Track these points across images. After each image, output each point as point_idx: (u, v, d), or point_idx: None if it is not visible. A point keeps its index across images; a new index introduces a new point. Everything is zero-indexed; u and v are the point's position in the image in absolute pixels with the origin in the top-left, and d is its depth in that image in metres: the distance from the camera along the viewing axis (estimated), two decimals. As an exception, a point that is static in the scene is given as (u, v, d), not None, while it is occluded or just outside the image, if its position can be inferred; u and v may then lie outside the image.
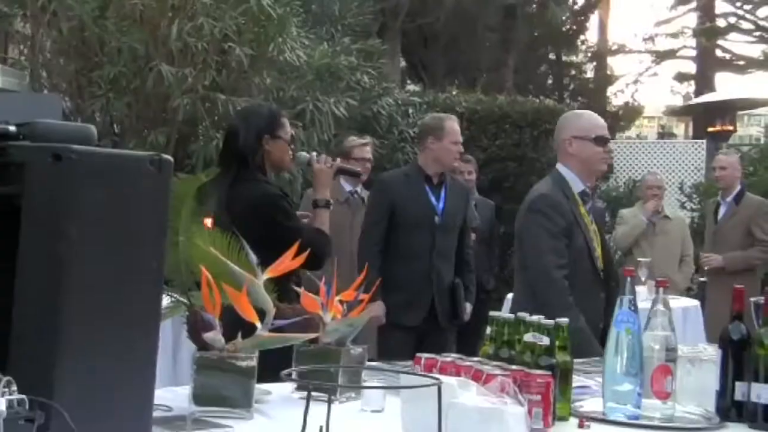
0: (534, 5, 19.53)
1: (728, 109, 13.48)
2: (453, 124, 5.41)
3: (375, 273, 4.68)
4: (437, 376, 1.96)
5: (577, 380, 2.67)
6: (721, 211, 7.42)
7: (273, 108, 4.22)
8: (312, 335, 2.35)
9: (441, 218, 5.26)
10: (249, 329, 2.19)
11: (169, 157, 1.56)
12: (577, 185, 3.89)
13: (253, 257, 2.24)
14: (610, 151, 4.12)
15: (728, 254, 7.07)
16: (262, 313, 2.21)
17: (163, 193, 1.60)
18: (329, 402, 1.86)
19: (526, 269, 3.86)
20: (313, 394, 1.96)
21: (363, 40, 9.71)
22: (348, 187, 6.19)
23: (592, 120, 4.00)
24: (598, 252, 3.86)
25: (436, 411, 1.69)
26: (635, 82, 25.59)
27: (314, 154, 3.97)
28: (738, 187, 7.41)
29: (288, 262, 2.29)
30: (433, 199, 5.28)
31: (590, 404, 2.48)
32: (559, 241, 3.74)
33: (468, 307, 5.45)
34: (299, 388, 2.35)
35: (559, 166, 3.95)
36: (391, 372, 2.43)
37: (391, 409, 2.23)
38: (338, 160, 4.08)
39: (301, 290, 2.48)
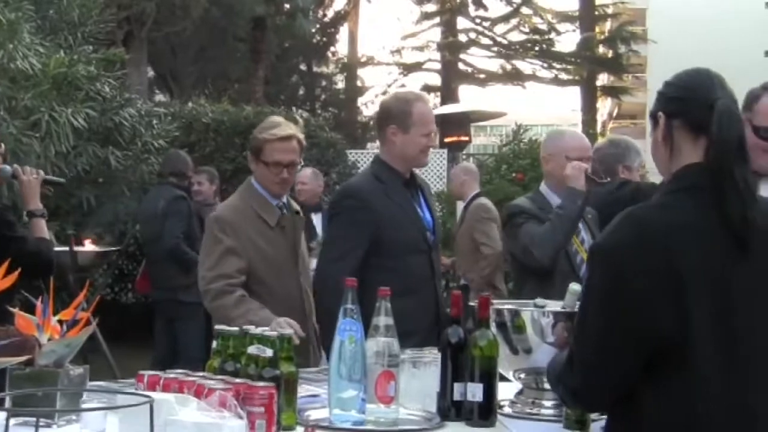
0: (283, 16, 19.69)
1: (463, 121, 14.13)
2: (423, 106, 3.94)
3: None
4: (153, 393, 1.93)
5: (306, 389, 2.71)
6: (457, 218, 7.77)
7: None
8: (26, 357, 2.24)
9: (433, 234, 3.93)
10: (-47, 355, 2.06)
11: None
12: None
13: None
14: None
15: (472, 283, 7.33)
16: (-31, 337, 2.10)
17: None
18: (37, 426, 1.79)
19: None
20: (30, 419, 1.88)
21: (105, 49, 9.37)
22: (273, 201, 3.99)
23: None
24: None
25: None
26: (384, 93, 26.40)
27: (16, 166, 4.00)
28: (471, 195, 7.77)
29: (-2, 281, 2.17)
30: (418, 209, 3.92)
31: (318, 413, 2.52)
32: None
33: None
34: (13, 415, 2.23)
35: None
36: (110, 392, 2.36)
37: (112, 430, 2.17)
38: (41, 171, 4.05)
39: (16, 311, 2.37)
